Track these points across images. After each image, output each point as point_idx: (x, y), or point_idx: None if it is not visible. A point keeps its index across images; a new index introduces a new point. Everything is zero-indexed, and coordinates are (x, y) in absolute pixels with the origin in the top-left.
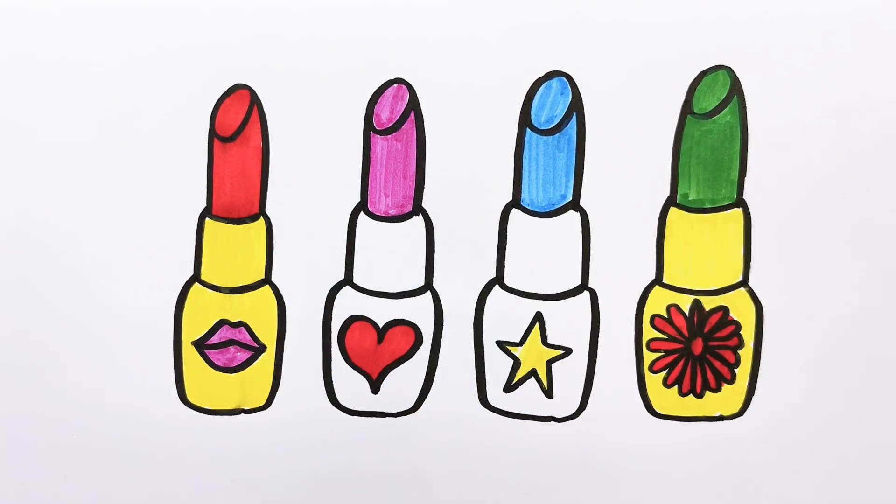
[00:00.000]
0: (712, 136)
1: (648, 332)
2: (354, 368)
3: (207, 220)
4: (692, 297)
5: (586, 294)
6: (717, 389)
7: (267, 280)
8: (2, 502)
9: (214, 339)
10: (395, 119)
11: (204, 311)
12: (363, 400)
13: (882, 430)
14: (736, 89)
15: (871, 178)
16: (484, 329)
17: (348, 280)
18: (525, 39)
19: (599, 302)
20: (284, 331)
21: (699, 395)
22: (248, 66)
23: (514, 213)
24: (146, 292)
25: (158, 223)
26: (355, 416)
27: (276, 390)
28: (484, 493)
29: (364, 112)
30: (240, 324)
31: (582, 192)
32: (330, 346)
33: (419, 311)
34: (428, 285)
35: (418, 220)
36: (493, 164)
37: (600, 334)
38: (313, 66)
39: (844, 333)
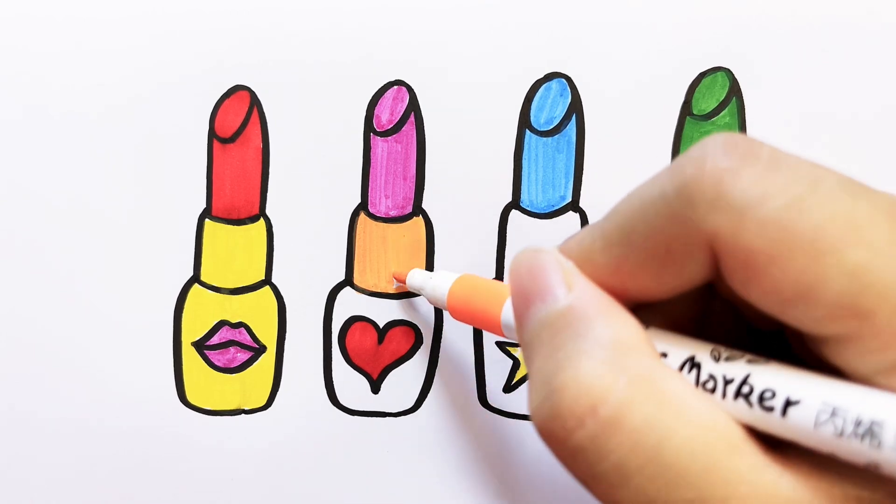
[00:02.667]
0: None
1: None
2: (355, 368)
3: (207, 221)
4: None
5: None
6: None
7: (267, 281)
8: (1, 501)
9: (214, 340)
10: (396, 121)
11: (204, 312)
12: (363, 400)
13: None
14: (735, 91)
15: (872, 180)
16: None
17: (348, 281)
18: (525, 41)
19: None
20: (285, 331)
21: None
22: (248, 68)
23: (514, 214)
24: (146, 293)
25: (158, 224)
26: (355, 416)
27: (277, 390)
28: (484, 491)
29: (364, 114)
30: (240, 324)
31: (581, 193)
32: (330, 347)
33: (419, 312)
34: None
35: (418, 222)
36: (493, 166)
37: None
38: (313, 67)
39: None
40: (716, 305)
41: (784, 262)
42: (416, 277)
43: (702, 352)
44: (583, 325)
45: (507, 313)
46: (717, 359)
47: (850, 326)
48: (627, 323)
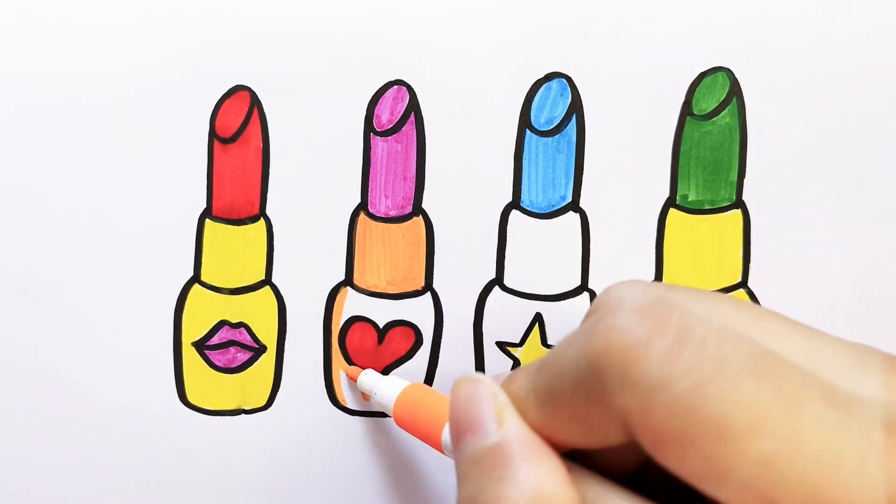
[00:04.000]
0: (712, 138)
1: None
2: None
3: (207, 221)
4: None
5: (586, 295)
6: None
7: (267, 281)
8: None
9: (215, 340)
10: (396, 120)
11: (204, 312)
12: (363, 400)
13: None
14: (735, 91)
15: (872, 180)
16: (484, 330)
17: (348, 281)
18: (525, 41)
19: None
20: (285, 331)
21: None
22: (249, 68)
23: (514, 214)
24: (146, 293)
25: (158, 224)
26: (355, 416)
27: (277, 390)
28: None
29: (364, 113)
30: (240, 324)
31: (581, 193)
32: (330, 347)
33: (419, 312)
34: (428, 286)
35: (418, 222)
36: (493, 166)
37: None
38: (313, 67)
39: (844, 334)
40: None
41: (692, 446)
42: (367, 380)
43: None
44: (508, 468)
45: (446, 435)
46: None
47: None
48: (552, 471)
